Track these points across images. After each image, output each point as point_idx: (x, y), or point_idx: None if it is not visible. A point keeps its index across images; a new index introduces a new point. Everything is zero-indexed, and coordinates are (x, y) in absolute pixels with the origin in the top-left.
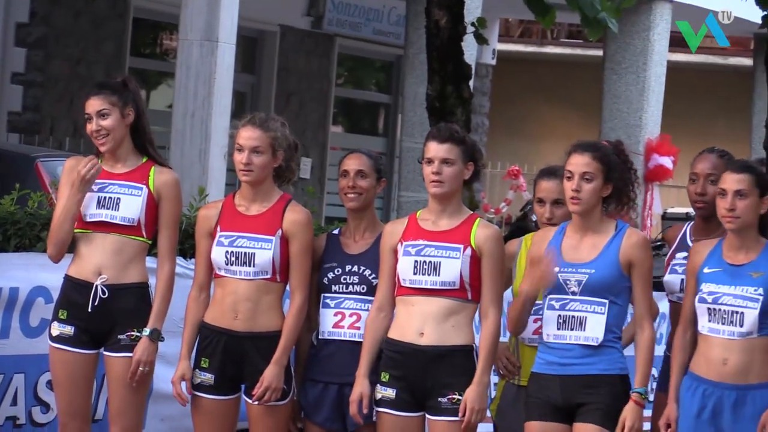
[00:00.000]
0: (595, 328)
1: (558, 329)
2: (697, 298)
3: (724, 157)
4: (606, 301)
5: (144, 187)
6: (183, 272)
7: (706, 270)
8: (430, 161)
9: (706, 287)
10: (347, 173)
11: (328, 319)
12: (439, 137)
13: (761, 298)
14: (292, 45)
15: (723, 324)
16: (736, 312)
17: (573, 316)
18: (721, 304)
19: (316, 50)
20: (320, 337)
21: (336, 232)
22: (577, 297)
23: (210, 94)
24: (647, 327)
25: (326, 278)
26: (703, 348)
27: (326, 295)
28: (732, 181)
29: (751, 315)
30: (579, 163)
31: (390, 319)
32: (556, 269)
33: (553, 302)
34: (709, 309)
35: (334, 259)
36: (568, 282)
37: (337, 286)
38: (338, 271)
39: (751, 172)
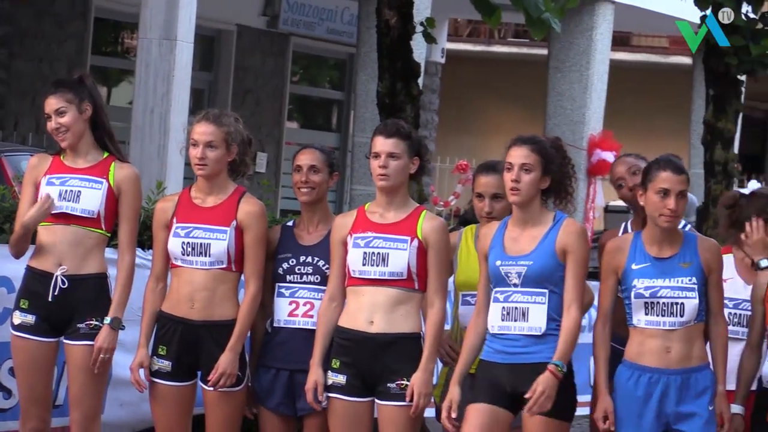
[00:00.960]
0: (537, 318)
1: (502, 320)
2: (632, 293)
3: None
4: (546, 291)
5: (104, 181)
6: (141, 263)
7: (634, 266)
8: (376, 155)
9: (640, 283)
10: (300, 168)
11: (283, 308)
12: (385, 132)
13: (696, 286)
14: (249, 44)
15: (663, 316)
16: (676, 303)
17: (516, 308)
18: (660, 297)
19: (271, 49)
20: (275, 325)
21: (290, 224)
22: (519, 289)
23: (169, 91)
24: (574, 310)
25: (281, 268)
26: (640, 339)
27: (281, 284)
28: (674, 182)
29: (692, 304)
30: (518, 155)
31: (341, 309)
32: (498, 262)
33: (497, 295)
34: (646, 303)
35: (289, 250)
36: (509, 274)
37: (291, 276)
38: (293, 261)
39: (684, 172)
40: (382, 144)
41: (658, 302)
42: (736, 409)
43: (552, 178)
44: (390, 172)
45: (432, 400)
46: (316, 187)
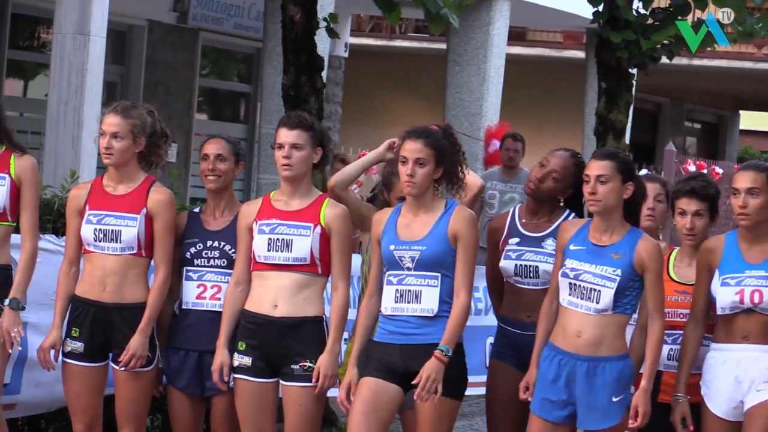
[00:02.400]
0: (429, 301)
1: (396, 302)
2: (560, 272)
3: (575, 157)
4: (438, 274)
5: (6, 175)
6: (55, 249)
7: (572, 247)
8: (280, 146)
9: (569, 263)
10: (207, 157)
11: (191, 291)
12: (288, 124)
13: (618, 278)
14: (159, 38)
15: (581, 299)
16: (594, 289)
17: (409, 290)
18: (581, 280)
19: (181, 43)
20: (183, 307)
21: (197, 210)
22: (412, 272)
23: (82, 83)
24: (463, 295)
25: (188, 253)
26: (563, 320)
27: (189, 268)
28: (595, 167)
29: (608, 294)
30: (412, 149)
31: (247, 293)
32: (392, 247)
33: (391, 278)
34: (570, 284)
35: (196, 235)
36: (402, 258)
37: (199, 260)
38: (200, 246)
39: (614, 158)
40: (286, 135)
41: (579, 285)
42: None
43: (444, 168)
44: (293, 162)
45: (338, 380)
46: (222, 176)
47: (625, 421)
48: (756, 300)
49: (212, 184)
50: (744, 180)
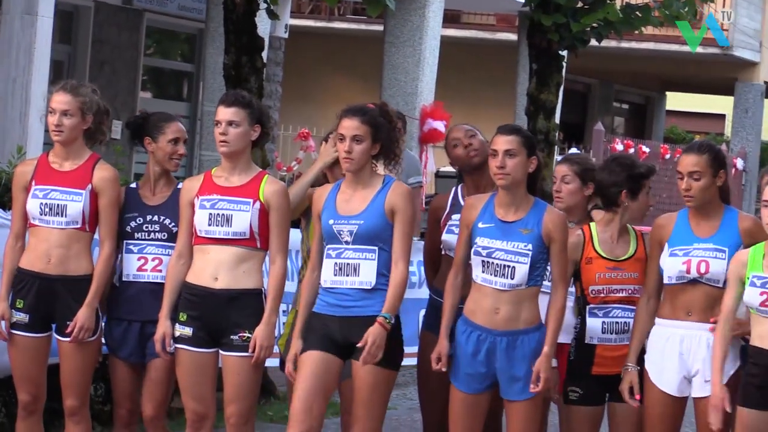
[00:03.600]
0: (367, 274)
1: (335, 275)
2: (472, 250)
3: (472, 129)
4: (376, 248)
5: None
6: (2, 223)
7: (480, 225)
8: (218, 123)
9: (480, 241)
10: (179, 140)
11: (132, 263)
12: (226, 102)
13: (530, 253)
14: (105, 19)
15: (495, 276)
16: (508, 266)
17: (348, 264)
18: (494, 258)
19: (126, 24)
20: (124, 279)
21: (134, 185)
22: (351, 246)
23: (30, 62)
24: (401, 266)
25: (129, 227)
26: (477, 296)
27: (129, 241)
28: (502, 142)
29: (522, 269)
30: (349, 126)
31: (188, 266)
32: (331, 221)
33: (330, 251)
34: (483, 261)
35: (135, 209)
36: (341, 233)
37: (139, 233)
38: (140, 220)
39: (519, 133)
40: (224, 113)
41: (492, 262)
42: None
43: (381, 145)
44: (230, 139)
45: (277, 350)
46: (180, 159)
47: (543, 390)
48: (702, 270)
49: (174, 168)
50: (686, 164)
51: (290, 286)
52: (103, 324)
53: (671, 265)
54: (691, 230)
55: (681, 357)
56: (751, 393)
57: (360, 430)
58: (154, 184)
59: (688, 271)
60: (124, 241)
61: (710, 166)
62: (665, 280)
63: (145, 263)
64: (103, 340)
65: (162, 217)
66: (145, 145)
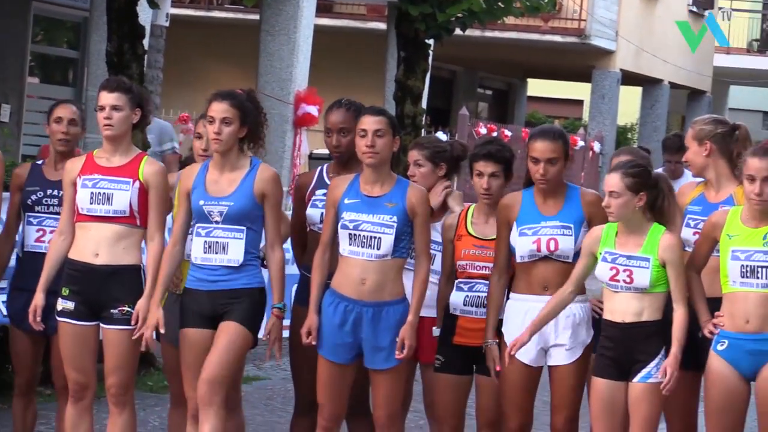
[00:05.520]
0: (236, 252)
1: (205, 253)
2: (340, 225)
3: (351, 109)
4: (244, 228)
5: None
6: None
7: (346, 201)
8: (102, 108)
9: (347, 215)
10: (61, 120)
11: (31, 235)
12: (108, 87)
13: (395, 225)
14: None
15: (362, 247)
16: (374, 237)
17: (217, 242)
18: (361, 230)
19: (14, 12)
20: (25, 250)
21: (40, 162)
22: (220, 225)
23: None
24: (278, 249)
25: (29, 200)
26: (344, 269)
27: (30, 214)
28: (371, 122)
29: (388, 240)
30: (219, 109)
31: (69, 242)
32: (201, 202)
33: (200, 230)
34: (350, 234)
35: (37, 184)
36: (211, 213)
37: (39, 206)
38: (40, 194)
39: (385, 115)
40: (107, 98)
41: (359, 234)
42: (436, 332)
43: (248, 128)
44: (113, 122)
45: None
46: (71, 140)
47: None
48: (552, 247)
49: (62, 147)
50: (544, 150)
51: None
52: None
53: (522, 244)
54: (537, 209)
55: (538, 332)
56: (604, 364)
57: (208, 382)
58: (55, 162)
59: (538, 249)
60: (26, 214)
61: (564, 151)
62: (518, 259)
63: (43, 235)
64: (4, 311)
65: (60, 192)
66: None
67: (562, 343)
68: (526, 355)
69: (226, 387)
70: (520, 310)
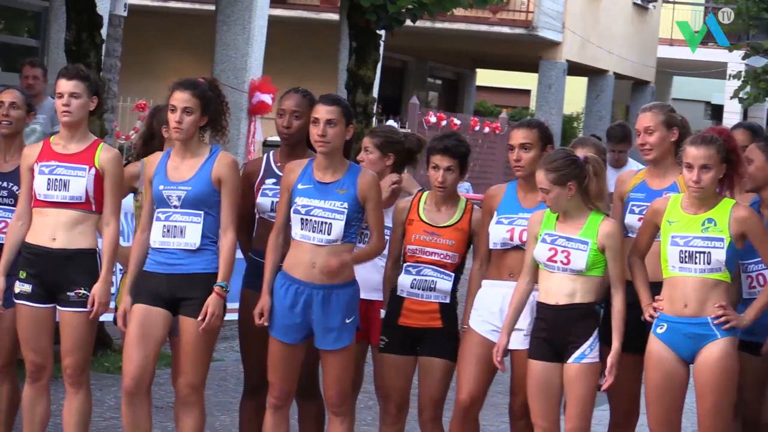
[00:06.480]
0: (193, 236)
1: (163, 237)
2: (292, 209)
3: (306, 96)
4: (201, 212)
5: None
6: None
7: (299, 186)
8: (61, 95)
9: (300, 201)
10: (2, 104)
11: None
12: (66, 75)
13: (346, 211)
14: None
15: (313, 232)
16: (325, 222)
17: (175, 226)
18: (313, 215)
19: None
20: None
21: None
22: (179, 210)
23: None
24: (230, 232)
25: None
26: (296, 252)
27: None
28: (324, 111)
29: (338, 225)
30: (181, 98)
31: (27, 227)
32: (161, 187)
33: (159, 214)
34: (302, 219)
35: None
36: (170, 197)
37: None
38: None
39: (339, 104)
40: (65, 85)
41: (310, 219)
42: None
43: (210, 117)
44: (72, 109)
45: (113, 306)
46: (13, 122)
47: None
48: (524, 238)
49: (5, 129)
50: (518, 137)
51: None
52: None
53: (496, 232)
54: (518, 201)
55: (502, 313)
56: (539, 346)
57: (186, 380)
58: (5, 152)
59: (511, 239)
60: None
61: (540, 139)
62: (490, 245)
63: None
64: None
65: (10, 184)
66: None
67: (521, 328)
68: (486, 331)
69: (204, 384)
70: (488, 294)
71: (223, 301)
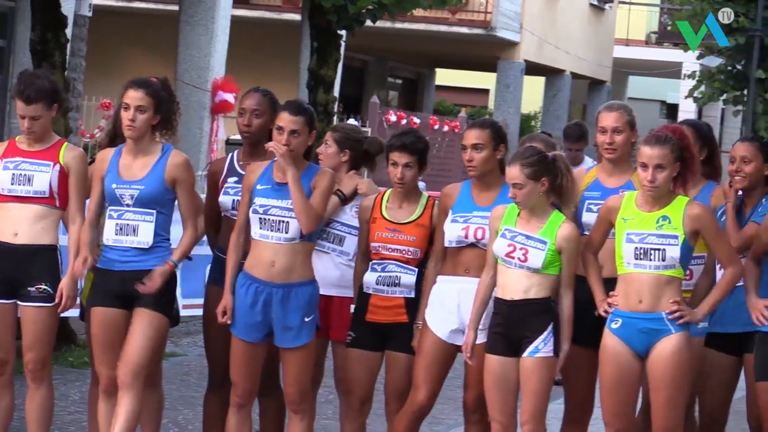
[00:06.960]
0: (145, 234)
1: (116, 235)
2: (251, 209)
3: (267, 96)
4: (154, 211)
5: None
6: None
7: (259, 186)
8: (22, 117)
9: (258, 201)
10: None
11: None
12: (26, 100)
13: None
14: None
15: (272, 231)
16: (282, 221)
17: (128, 224)
18: (270, 215)
19: None
20: None
21: None
22: (131, 208)
23: None
24: (191, 227)
25: None
26: (255, 252)
27: None
28: (289, 121)
29: (295, 224)
30: (134, 97)
31: None
32: (114, 185)
33: (112, 212)
34: (260, 219)
35: None
36: (123, 196)
37: None
38: None
39: (304, 114)
40: (25, 109)
41: (268, 219)
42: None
43: (162, 116)
44: (35, 129)
45: (78, 301)
46: None
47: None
48: (479, 236)
49: None
50: (470, 137)
51: None
52: None
53: (451, 231)
54: (472, 199)
55: (459, 308)
56: (495, 340)
57: (128, 366)
58: None
59: (466, 237)
60: None
61: (492, 139)
62: (446, 243)
63: None
64: None
65: None
66: None
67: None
68: (443, 332)
69: (145, 371)
70: (443, 290)
71: (170, 271)
